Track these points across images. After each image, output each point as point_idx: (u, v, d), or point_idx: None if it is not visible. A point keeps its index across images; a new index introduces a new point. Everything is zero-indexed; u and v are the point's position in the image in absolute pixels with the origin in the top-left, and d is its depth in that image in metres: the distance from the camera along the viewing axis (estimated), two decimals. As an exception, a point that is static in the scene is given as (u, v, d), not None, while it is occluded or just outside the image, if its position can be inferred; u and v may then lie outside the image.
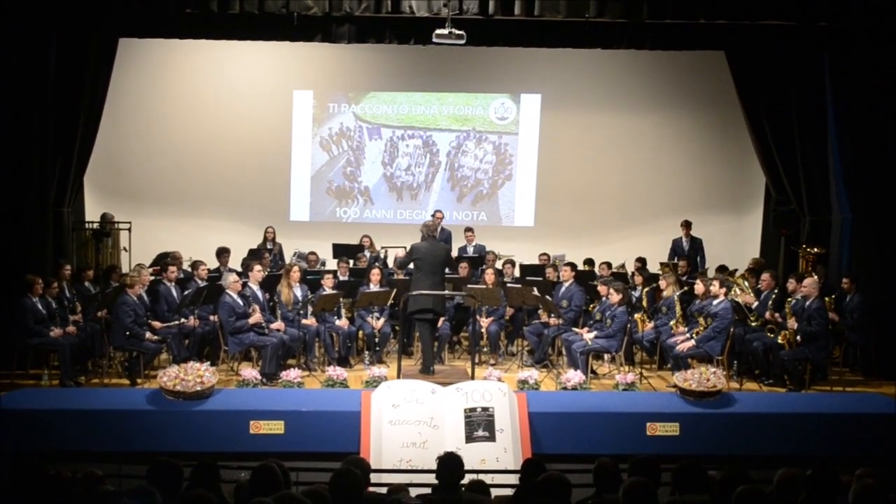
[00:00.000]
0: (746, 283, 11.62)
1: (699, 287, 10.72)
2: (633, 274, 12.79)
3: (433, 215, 13.64)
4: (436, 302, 10.00)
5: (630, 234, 15.57)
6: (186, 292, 10.88)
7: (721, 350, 10.06)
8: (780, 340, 10.21)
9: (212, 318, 10.83)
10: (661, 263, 13.58)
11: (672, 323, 10.82)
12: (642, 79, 15.51)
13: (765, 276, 11.24)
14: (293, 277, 11.14)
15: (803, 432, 8.52)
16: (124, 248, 13.76)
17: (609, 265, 13.02)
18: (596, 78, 15.64)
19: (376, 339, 11.20)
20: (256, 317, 10.43)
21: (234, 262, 12.82)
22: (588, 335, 10.58)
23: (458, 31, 10.69)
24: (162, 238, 13.99)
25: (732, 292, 10.89)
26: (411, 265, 10.36)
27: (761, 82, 12.69)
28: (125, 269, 12.68)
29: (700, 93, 15.52)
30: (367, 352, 11.27)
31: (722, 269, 12.93)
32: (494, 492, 5.83)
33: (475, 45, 11.87)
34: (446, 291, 10.51)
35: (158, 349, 10.50)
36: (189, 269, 11.89)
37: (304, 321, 10.96)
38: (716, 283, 10.42)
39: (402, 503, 5.26)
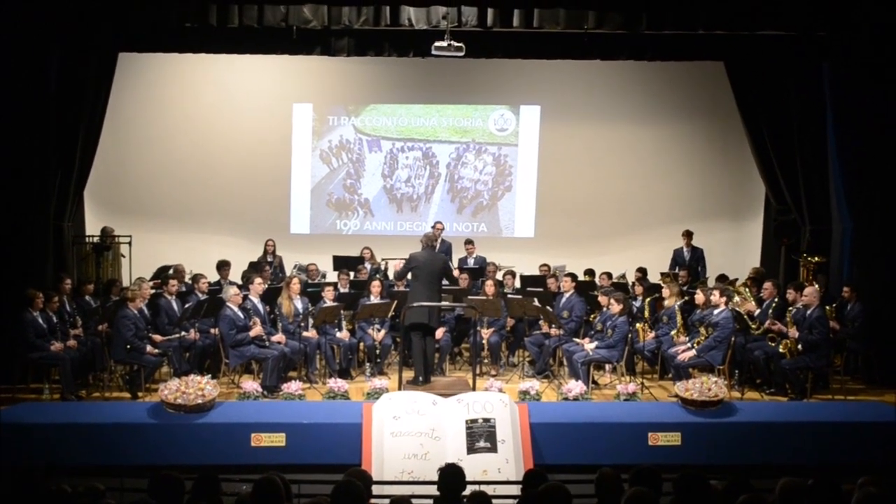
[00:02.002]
0: (748, 291, 11.61)
1: (699, 297, 10.73)
2: (633, 284, 12.78)
3: (433, 226, 13.66)
4: (431, 314, 10.02)
5: (630, 244, 15.57)
6: (187, 305, 10.87)
7: (722, 359, 10.06)
8: (781, 349, 10.21)
9: (212, 331, 10.82)
10: (662, 273, 13.58)
11: (673, 333, 10.82)
12: (642, 89, 15.53)
13: (767, 284, 11.21)
14: (294, 290, 11.15)
15: (805, 441, 8.50)
16: (122, 255, 13.72)
17: (609, 275, 13.01)
18: (595, 89, 15.67)
19: (377, 351, 11.20)
20: (257, 329, 10.43)
21: (235, 274, 12.82)
22: (589, 345, 10.57)
23: (456, 44, 10.74)
24: (162, 251, 13.99)
25: (734, 301, 10.88)
26: (409, 275, 10.38)
27: (760, 92, 12.73)
28: (125, 283, 12.68)
29: (699, 103, 15.55)
30: (368, 364, 11.24)
31: (722, 278, 12.92)
32: (496, 503, 5.82)
33: (474, 57, 11.92)
34: (444, 303, 10.53)
35: (159, 362, 10.48)
36: (190, 283, 11.89)
37: (304, 333, 10.95)
38: (716, 292, 10.43)
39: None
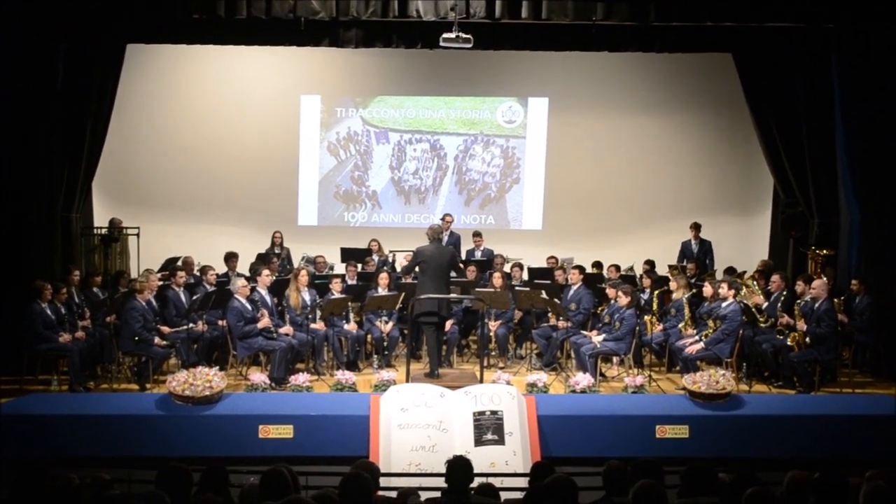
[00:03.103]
0: (755, 284, 11.59)
1: (707, 289, 10.71)
2: (641, 276, 12.76)
3: (443, 219, 13.64)
4: (441, 305, 10.01)
5: (638, 236, 15.54)
6: (195, 297, 10.87)
7: (730, 352, 10.04)
8: (789, 342, 10.19)
9: (220, 322, 10.85)
10: (670, 266, 13.56)
11: (681, 325, 10.80)
12: (650, 81, 15.49)
13: (775, 277, 11.20)
14: (301, 282, 11.16)
15: (813, 434, 8.50)
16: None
17: (617, 268, 12.99)
18: (603, 81, 15.62)
19: (385, 343, 11.19)
20: (265, 321, 10.43)
21: (243, 266, 12.82)
22: (597, 338, 10.56)
23: (465, 35, 10.69)
24: (170, 243, 14.02)
25: (742, 294, 10.86)
26: (417, 268, 10.38)
27: (769, 84, 12.67)
28: (133, 274, 12.69)
29: (708, 95, 15.50)
30: (375, 356, 11.27)
31: (730, 271, 12.89)
32: (504, 495, 5.82)
33: (482, 49, 11.86)
34: (452, 295, 10.52)
35: (167, 354, 10.50)
36: (198, 274, 11.91)
37: (312, 325, 10.96)
38: (724, 285, 10.41)
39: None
